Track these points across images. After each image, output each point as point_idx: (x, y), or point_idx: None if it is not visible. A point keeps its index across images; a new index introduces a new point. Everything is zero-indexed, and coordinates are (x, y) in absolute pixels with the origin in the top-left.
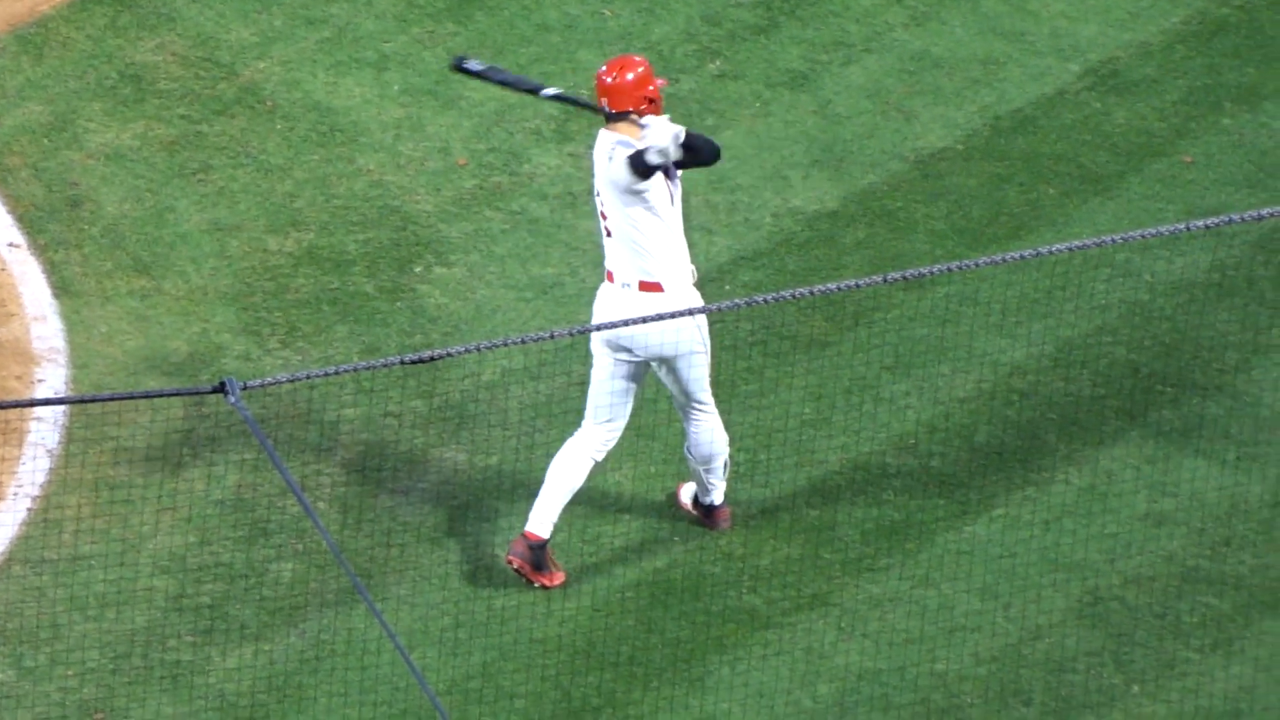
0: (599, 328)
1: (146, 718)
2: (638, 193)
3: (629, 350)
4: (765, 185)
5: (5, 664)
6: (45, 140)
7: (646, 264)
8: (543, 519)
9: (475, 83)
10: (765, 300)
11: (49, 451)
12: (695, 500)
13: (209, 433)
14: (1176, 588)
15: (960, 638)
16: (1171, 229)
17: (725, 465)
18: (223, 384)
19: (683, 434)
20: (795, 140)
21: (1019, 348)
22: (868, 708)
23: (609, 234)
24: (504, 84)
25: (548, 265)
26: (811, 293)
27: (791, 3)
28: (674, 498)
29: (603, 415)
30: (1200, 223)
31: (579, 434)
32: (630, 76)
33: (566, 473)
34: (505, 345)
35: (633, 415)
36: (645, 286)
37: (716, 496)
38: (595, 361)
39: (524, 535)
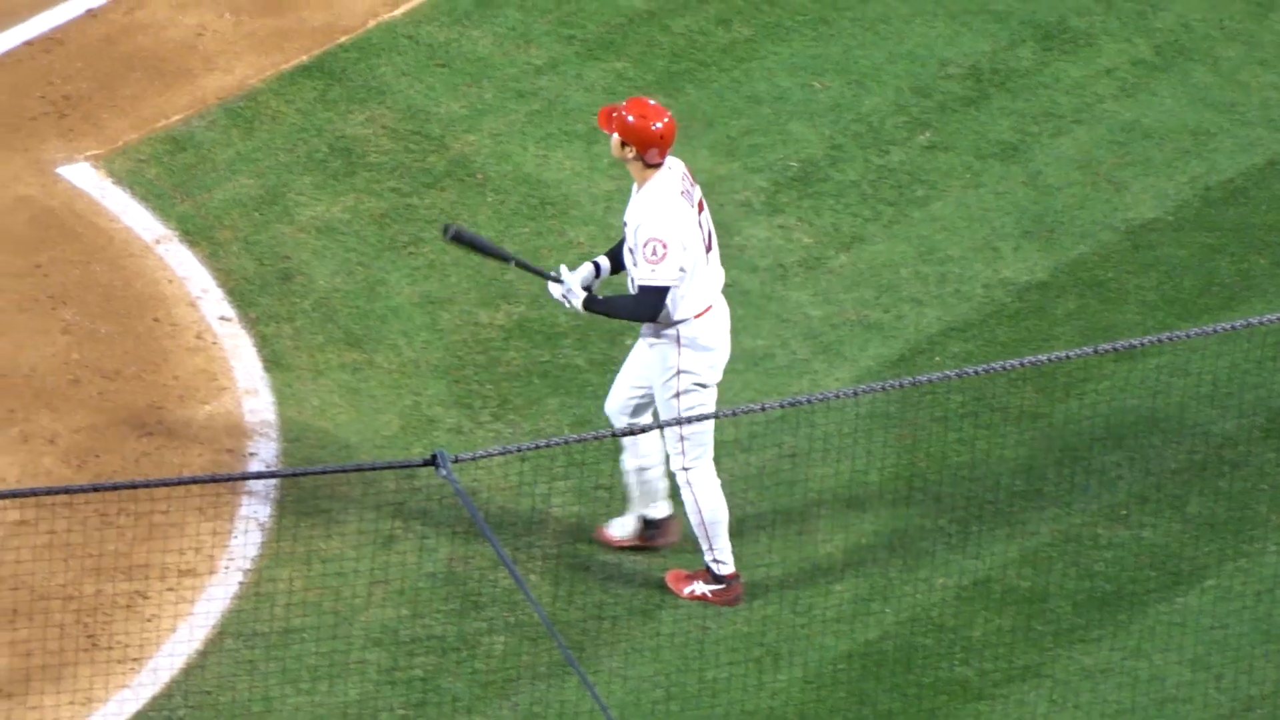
0: (808, 400)
1: None
2: None
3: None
4: (975, 256)
5: None
6: (256, 214)
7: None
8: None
9: (684, 155)
10: (976, 372)
11: (261, 525)
12: (643, 529)
13: (421, 505)
14: None
15: (1172, 709)
16: None
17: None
18: (434, 457)
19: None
20: (1006, 211)
21: (1230, 419)
22: None
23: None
24: (485, 252)
25: (758, 337)
26: (1022, 364)
27: (1001, 74)
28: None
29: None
30: None
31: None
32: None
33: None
34: (716, 418)
35: (839, 490)
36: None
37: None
38: (705, 393)
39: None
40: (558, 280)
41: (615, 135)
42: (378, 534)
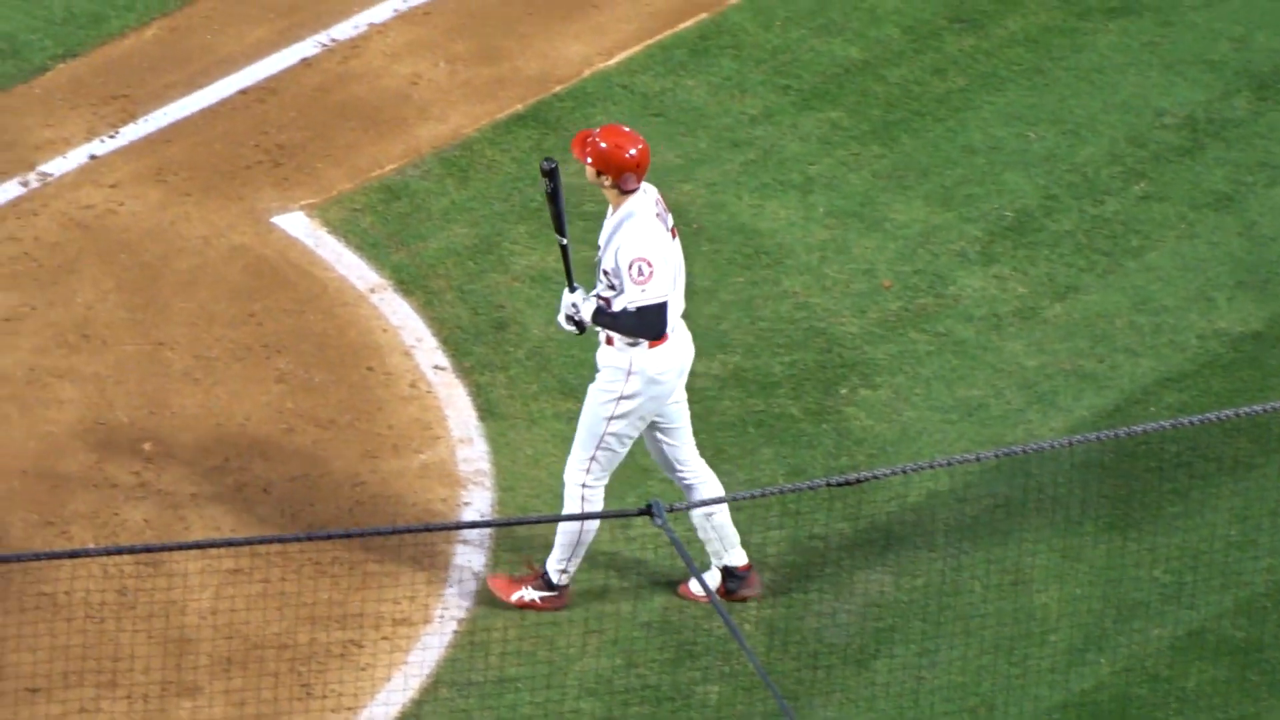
0: (1022, 450)
1: None
2: None
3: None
4: (1190, 306)
5: None
6: (470, 263)
7: None
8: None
9: (899, 205)
10: (1191, 422)
11: (475, 574)
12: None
13: (635, 555)
14: None
15: None
16: None
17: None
18: (649, 506)
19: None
20: (1220, 262)
21: None
22: None
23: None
24: (554, 211)
25: (973, 387)
26: (1237, 414)
27: (1216, 124)
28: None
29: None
30: None
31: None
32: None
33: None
34: (931, 468)
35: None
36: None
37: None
38: (635, 427)
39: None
40: (574, 290)
41: (589, 162)
42: (592, 583)
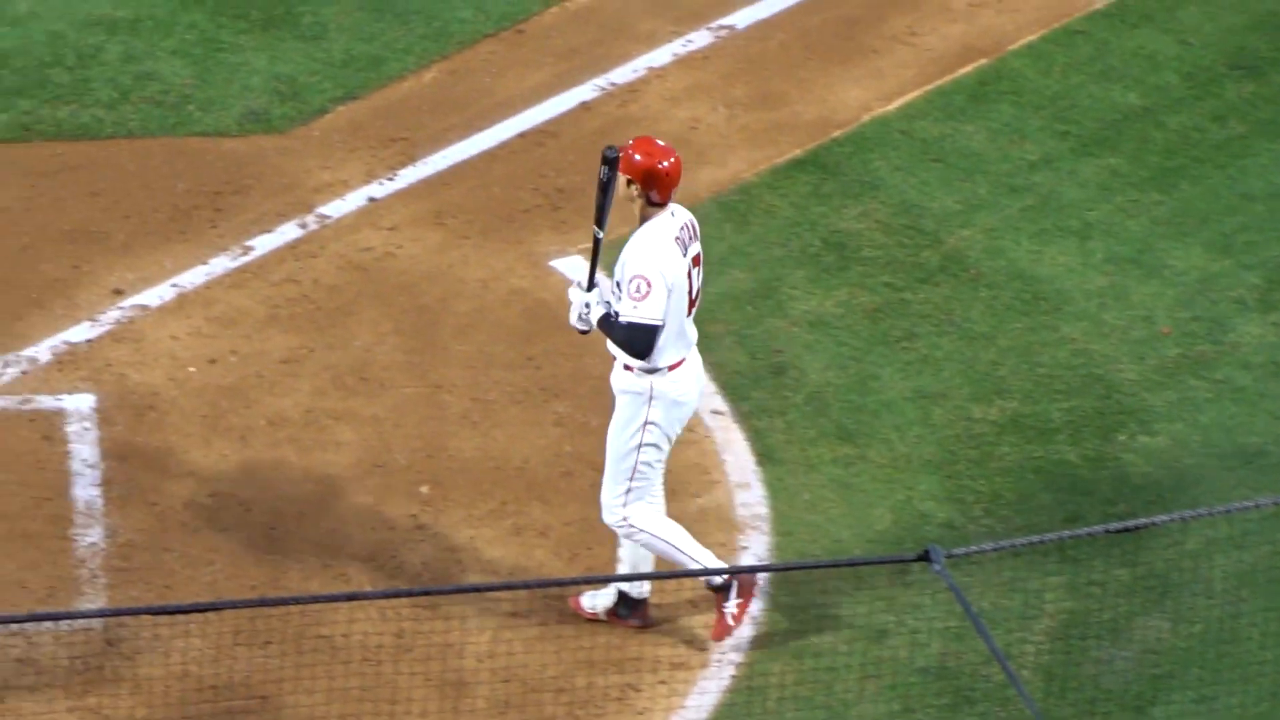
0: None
1: None
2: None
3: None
4: None
5: None
6: (749, 307)
7: None
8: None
9: (1178, 251)
10: None
11: (751, 618)
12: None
13: (913, 600)
14: None
15: None
16: None
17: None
18: (926, 552)
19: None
20: None
21: None
22: None
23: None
24: (600, 198)
25: (1251, 434)
26: None
27: None
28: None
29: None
30: None
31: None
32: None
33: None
34: (1209, 515)
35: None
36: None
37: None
38: (664, 449)
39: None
40: (589, 289)
41: (621, 174)
42: (869, 628)
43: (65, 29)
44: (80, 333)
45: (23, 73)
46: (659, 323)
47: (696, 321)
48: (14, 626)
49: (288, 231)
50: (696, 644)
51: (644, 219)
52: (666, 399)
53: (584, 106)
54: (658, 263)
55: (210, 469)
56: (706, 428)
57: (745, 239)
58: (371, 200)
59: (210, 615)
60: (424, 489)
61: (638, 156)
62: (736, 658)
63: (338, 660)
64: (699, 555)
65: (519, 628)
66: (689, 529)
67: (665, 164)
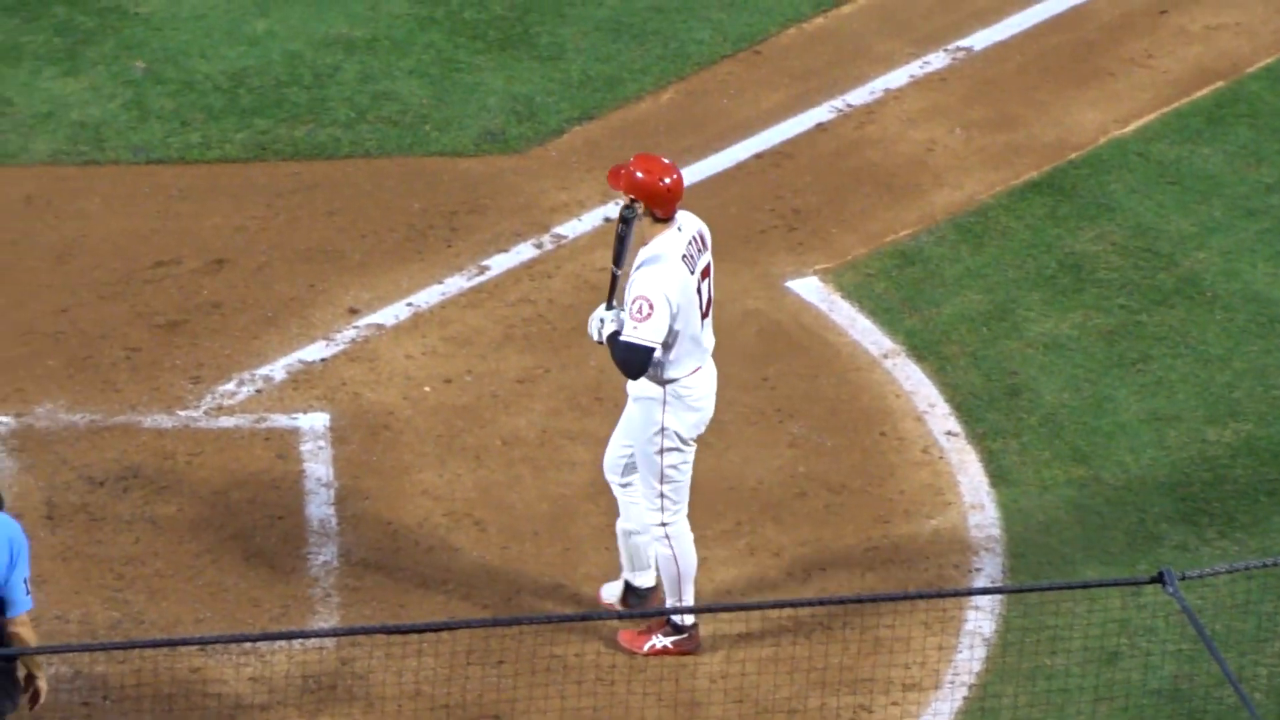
0: None
1: None
2: None
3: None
4: None
5: None
6: (984, 329)
7: None
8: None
9: None
10: None
11: (985, 640)
12: (625, 594)
13: (1146, 622)
14: None
15: None
16: None
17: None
18: (1160, 574)
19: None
20: None
21: None
22: None
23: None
24: (620, 248)
25: None
26: None
27: None
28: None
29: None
30: None
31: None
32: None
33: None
34: None
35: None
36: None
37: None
38: (687, 451)
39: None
40: (609, 309)
41: (616, 188)
42: (1102, 650)
43: (303, 48)
44: (315, 352)
45: (260, 92)
46: (654, 345)
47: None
48: (247, 645)
49: (523, 251)
50: (930, 665)
51: (650, 236)
52: (681, 405)
53: (820, 128)
54: (662, 285)
55: (444, 488)
56: (941, 449)
57: (981, 260)
58: (607, 220)
59: (443, 634)
60: None
61: (640, 174)
62: (969, 679)
63: (570, 680)
64: (689, 596)
65: (752, 648)
66: (922, 550)
67: (667, 180)
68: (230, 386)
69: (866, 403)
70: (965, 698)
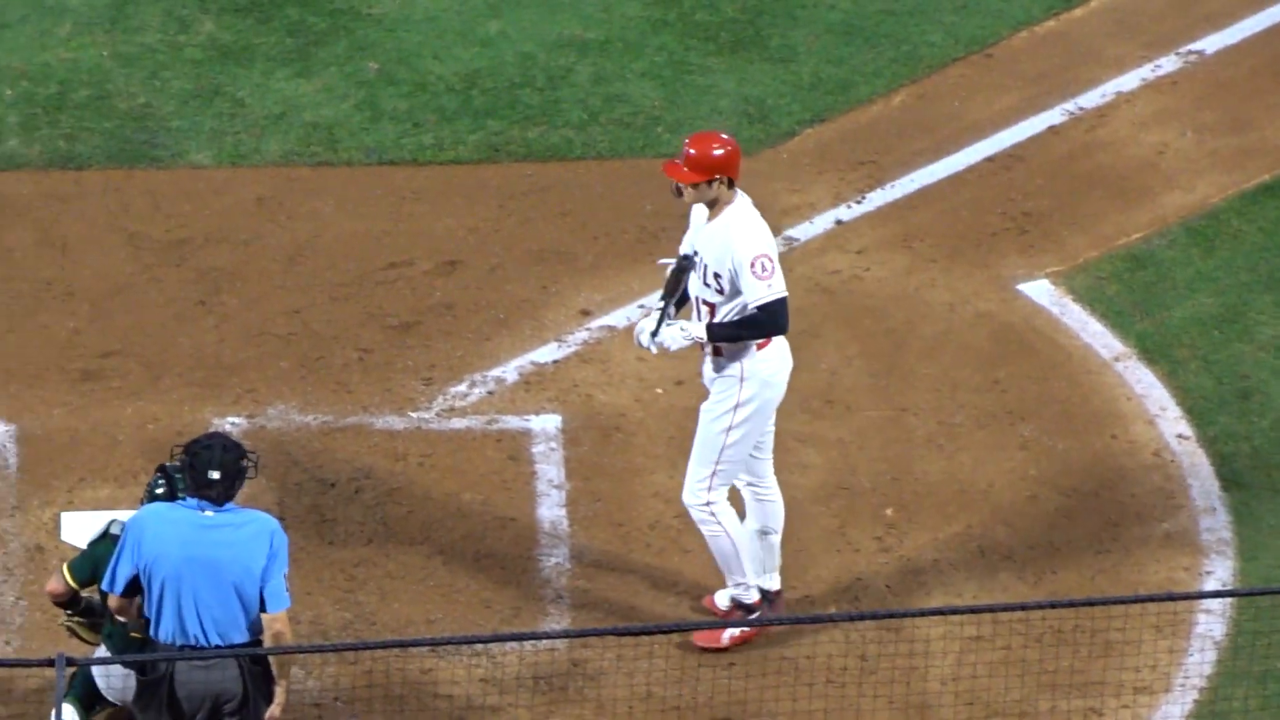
0: None
1: None
2: None
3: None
4: None
5: None
6: (1215, 332)
7: None
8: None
9: None
10: None
11: (1216, 643)
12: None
13: None
14: None
15: None
16: None
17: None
18: None
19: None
20: None
21: None
22: None
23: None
24: (672, 285)
25: None
26: None
27: None
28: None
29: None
30: None
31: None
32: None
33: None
34: None
35: None
36: None
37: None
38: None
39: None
40: (672, 323)
41: (706, 180)
42: None
43: (536, 50)
44: (548, 353)
45: (493, 94)
46: (786, 293)
47: None
48: (479, 646)
49: None
50: (1161, 669)
51: (725, 205)
52: (758, 379)
53: (1052, 131)
54: (767, 238)
55: (675, 490)
56: (1172, 452)
57: (1212, 264)
58: (839, 223)
59: (674, 636)
60: (889, 511)
61: (717, 150)
62: (1200, 682)
63: (801, 682)
64: (750, 570)
65: (983, 651)
66: (1153, 553)
67: (734, 146)
68: (462, 388)
69: (1098, 406)
70: (1195, 701)
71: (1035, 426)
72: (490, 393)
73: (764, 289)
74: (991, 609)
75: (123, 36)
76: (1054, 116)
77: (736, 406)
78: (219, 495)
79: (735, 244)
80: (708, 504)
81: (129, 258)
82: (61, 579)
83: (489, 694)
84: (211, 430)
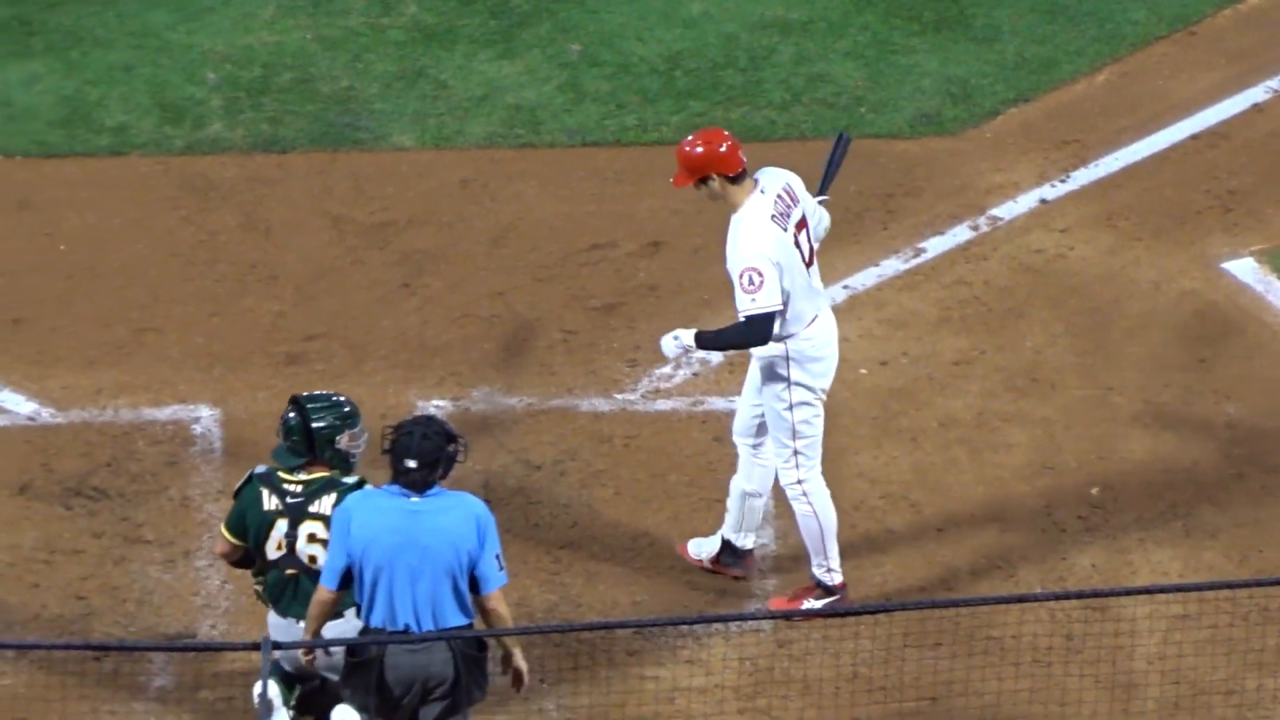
0: None
1: None
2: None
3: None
4: None
5: None
6: None
7: None
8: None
9: None
10: None
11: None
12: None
13: None
14: None
15: None
16: None
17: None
18: None
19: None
20: None
21: None
22: None
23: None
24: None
25: None
26: None
27: None
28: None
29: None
30: None
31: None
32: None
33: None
34: None
35: None
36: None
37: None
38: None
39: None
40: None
41: (695, 181)
42: None
43: (738, 30)
44: None
45: (695, 74)
46: (776, 308)
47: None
48: (684, 628)
49: (959, 233)
50: None
51: (736, 205)
52: (804, 357)
53: (1256, 108)
54: (759, 249)
55: (881, 470)
56: None
57: None
58: (1043, 202)
59: (880, 617)
60: (1094, 490)
61: (692, 149)
62: None
63: (1007, 662)
64: (833, 552)
65: (1189, 630)
66: None
67: (725, 147)
68: (667, 369)
69: None
70: None
71: (1241, 405)
72: (695, 374)
73: (748, 301)
74: (1198, 587)
75: (326, 19)
76: (1258, 94)
77: (791, 385)
78: (418, 482)
79: (731, 253)
80: (799, 482)
81: (333, 241)
82: (222, 539)
83: (695, 675)
84: (416, 414)
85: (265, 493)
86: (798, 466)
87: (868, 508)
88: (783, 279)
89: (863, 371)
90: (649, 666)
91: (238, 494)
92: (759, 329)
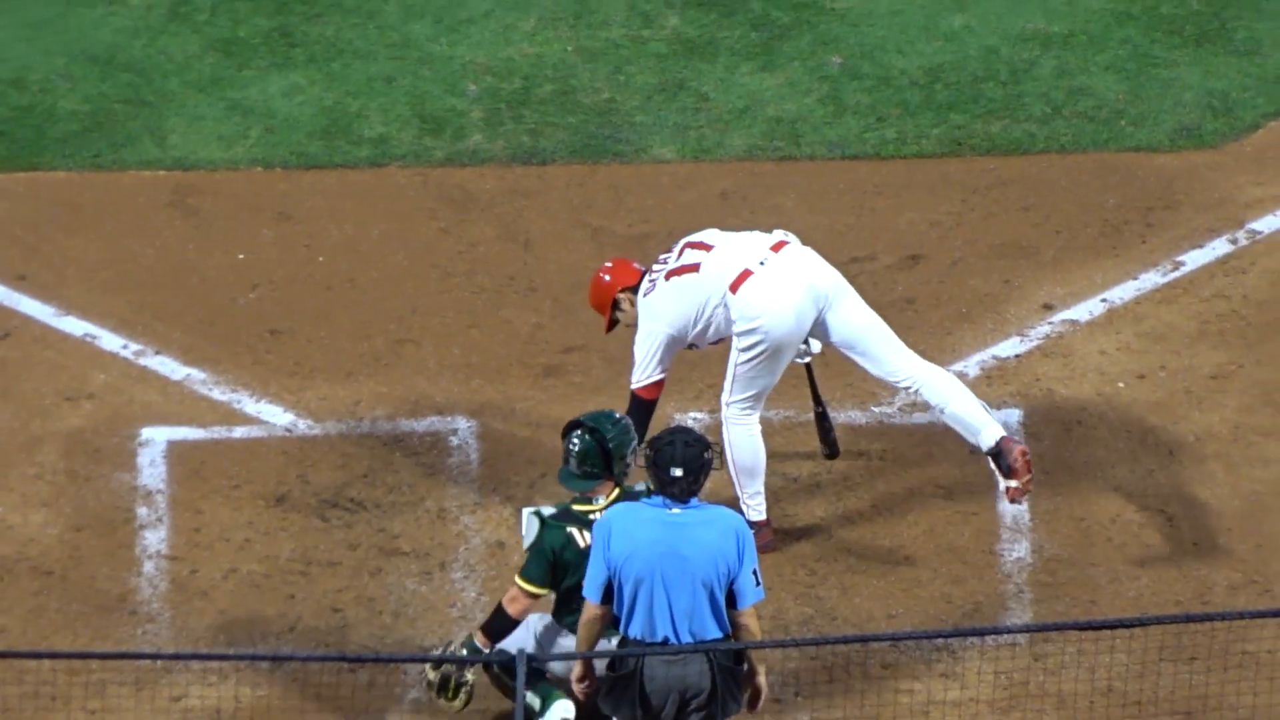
0: None
1: None
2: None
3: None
4: None
5: None
6: None
7: None
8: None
9: None
10: None
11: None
12: None
13: None
14: None
15: None
16: None
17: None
18: None
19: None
20: None
21: None
22: None
23: None
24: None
25: None
26: None
27: None
28: None
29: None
30: None
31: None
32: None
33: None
34: None
35: None
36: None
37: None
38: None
39: None
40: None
41: (618, 313)
42: None
43: (999, 44)
44: (1009, 347)
45: (956, 87)
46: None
47: None
48: (939, 641)
49: (1218, 247)
50: None
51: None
52: (744, 315)
53: None
54: (640, 332)
55: (1136, 484)
56: None
57: None
58: None
59: (1135, 630)
60: None
61: (605, 279)
62: None
63: (1262, 676)
64: (749, 490)
65: None
66: None
67: (607, 277)
68: None
69: None
70: None
71: None
72: None
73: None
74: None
75: (586, 31)
76: None
77: (739, 334)
78: (682, 491)
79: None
80: (726, 405)
81: (592, 253)
82: (520, 596)
83: (949, 689)
84: (673, 425)
85: (575, 532)
86: (730, 391)
87: (1125, 521)
88: (684, 328)
89: (1121, 385)
90: (904, 680)
91: (534, 546)
92: (633, 409)
